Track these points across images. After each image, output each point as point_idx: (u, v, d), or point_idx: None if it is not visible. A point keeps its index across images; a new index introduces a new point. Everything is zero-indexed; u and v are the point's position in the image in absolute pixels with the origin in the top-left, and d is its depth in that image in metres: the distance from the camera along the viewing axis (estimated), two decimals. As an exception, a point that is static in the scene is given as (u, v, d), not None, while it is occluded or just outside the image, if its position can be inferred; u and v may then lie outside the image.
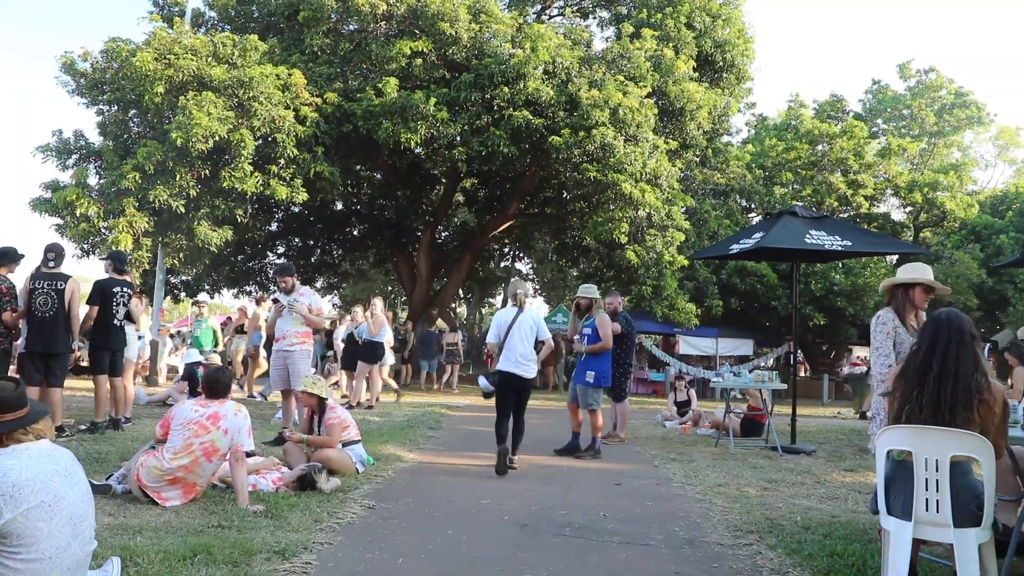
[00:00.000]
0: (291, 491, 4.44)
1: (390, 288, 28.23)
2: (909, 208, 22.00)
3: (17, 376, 2.64)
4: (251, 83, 11.72)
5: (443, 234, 19.52)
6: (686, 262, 14.55)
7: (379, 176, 17.01)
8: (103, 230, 11.96)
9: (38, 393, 6.03)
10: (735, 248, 7.74)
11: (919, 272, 4.07)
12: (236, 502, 4.03)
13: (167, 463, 3.96)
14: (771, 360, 18.22)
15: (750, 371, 7.98)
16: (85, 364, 7.41)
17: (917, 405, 2.70)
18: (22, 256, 6.18)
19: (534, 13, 17.06)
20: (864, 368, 17.61)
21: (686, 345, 17.86)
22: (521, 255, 24.04)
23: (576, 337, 6.91)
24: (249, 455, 4.42)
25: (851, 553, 3.49)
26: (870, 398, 6.54)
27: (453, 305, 26.96)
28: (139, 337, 8.48)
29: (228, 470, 4.23)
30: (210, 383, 4.27)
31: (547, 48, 12.84)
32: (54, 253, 6.23)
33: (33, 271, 6.25)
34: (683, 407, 9.89)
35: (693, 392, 10.20)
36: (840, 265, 17.95)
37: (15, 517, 2.19)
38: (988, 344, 7.09)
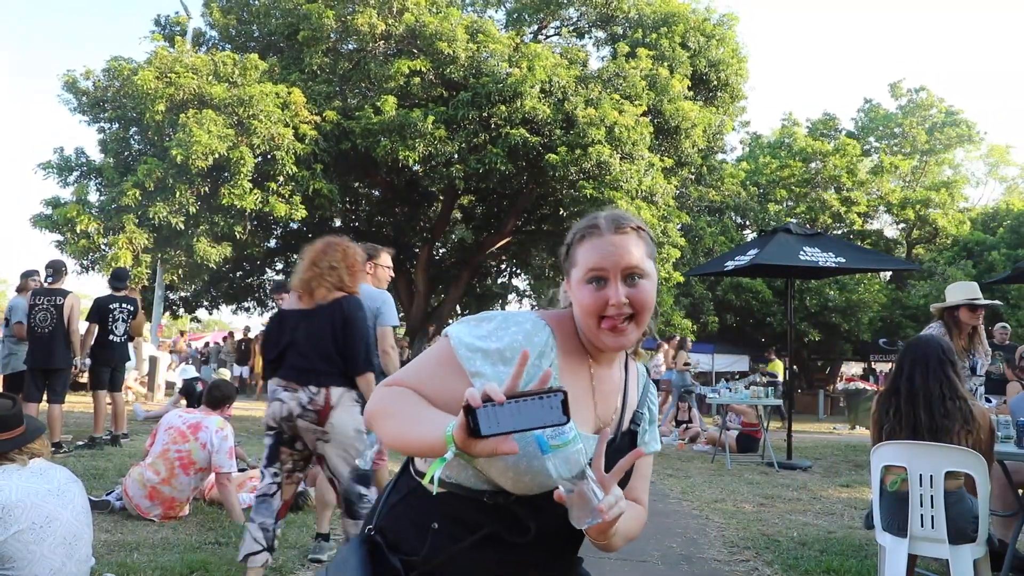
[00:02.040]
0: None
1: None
2: (902, 225, 22.19)
3: (13, 395, 2.60)
4: (251, 101, 11.84)
5: (441, 251, 19.59)
6: (682, 279, 14.63)
7: (377, 193, 17.11)
8: (103, 246, 12.00)
9: (35, 410, 6.04)
10: (730, 265, 7.80)
11: (960, 292, 4.12)
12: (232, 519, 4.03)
13: (147, 472, 3.96)
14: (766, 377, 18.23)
15: (746, 387, 8.01)
16: (83, 380, 7.42)
17: (897, 425, 2.74)
18: None
19: (531, 33, 17.30)
20: (857, 385, 17.64)
21: (683, 361, 17.86)
22: (518, 272, 24.12)
23: None
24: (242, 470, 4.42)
25: (847, 569, 3.51)
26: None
27: (451, 322, 26.95)
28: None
29: (217, 491, 4.23)
30: (210, 391, 4.33)
31: (544, 67, 13.02)
32: (52, 269, 6.30)
33: (34, 287, 6.31)
34: (684, 423, 9.93)
35: (695, 412, 10.23)
36: (835, 281, 18.06)
37: (5, 540, 2.16)
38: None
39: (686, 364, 10.08)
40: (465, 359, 1.10)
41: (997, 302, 4.30)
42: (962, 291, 4.13)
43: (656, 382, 11.53)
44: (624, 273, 1.12)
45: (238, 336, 17.58)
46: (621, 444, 1.19)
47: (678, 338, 10.85)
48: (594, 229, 1.16)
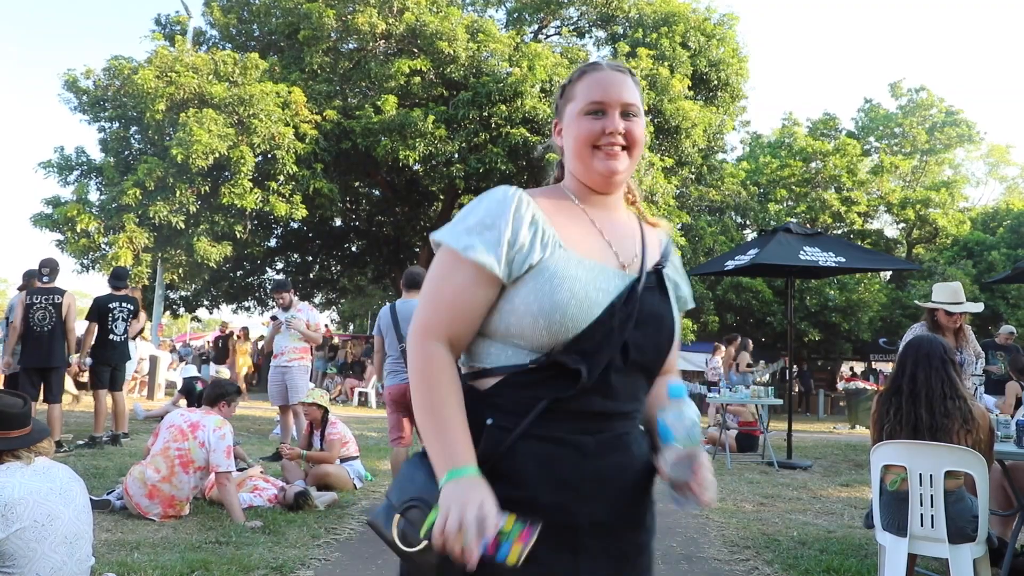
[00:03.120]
0: (286, 508, 4.44)
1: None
2: (902, 225, 22.19)
3: (23, 394, 2.62)
4: (251, 100, 11.84)
5: (441, 250, 19.58)
6: (682, 278, 14.58)
7: (377, 193, 17.12)
8: (103, 246, 12.02)
9: (33, 409, 6.04)
10: (731, 264, 7.80)
11: (942, 294, 4.15)
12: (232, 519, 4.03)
13: (148, 470, 3.96)
14: (767, 375, 18.23)
15: (747, 387, 8.01)
16: (83, 380, 7.44)
17: (897, 424, 2.74)
18: None
19: (531, 33, 17.30)
20: (857, 384, 17.65)
21: (682, 360, 17.89)
22: (518, 271, 24.06)
23: None
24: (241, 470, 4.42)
25: (847, 568, 3.51)
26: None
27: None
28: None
29: (217, 491, 4.24)
30: (209, 388, 4.35)
31: (544, 67, 13.02)
32: (49, 268, 6.29)
33: (29, 287, 6.31)
34: None
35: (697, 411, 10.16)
36: (835, 281, 18.06)
37: (7, 537, 2.17)
38: None
39: (749, 365, 9.83)
40: (456, 242, 1.10)
41: (976, 307, 4.28)
42: (944, 293, 4.16)
43: (711, 384, 11.36)
44: (623, 107, 1.15)
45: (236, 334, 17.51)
46: (649, 282, 1.16)
47: (739, 339, 10.50)
48: (595, 66, 1.19)
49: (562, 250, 1.09)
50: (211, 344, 16.52)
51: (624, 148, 1.15)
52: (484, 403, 1.07)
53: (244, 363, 14.09)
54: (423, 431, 1.05)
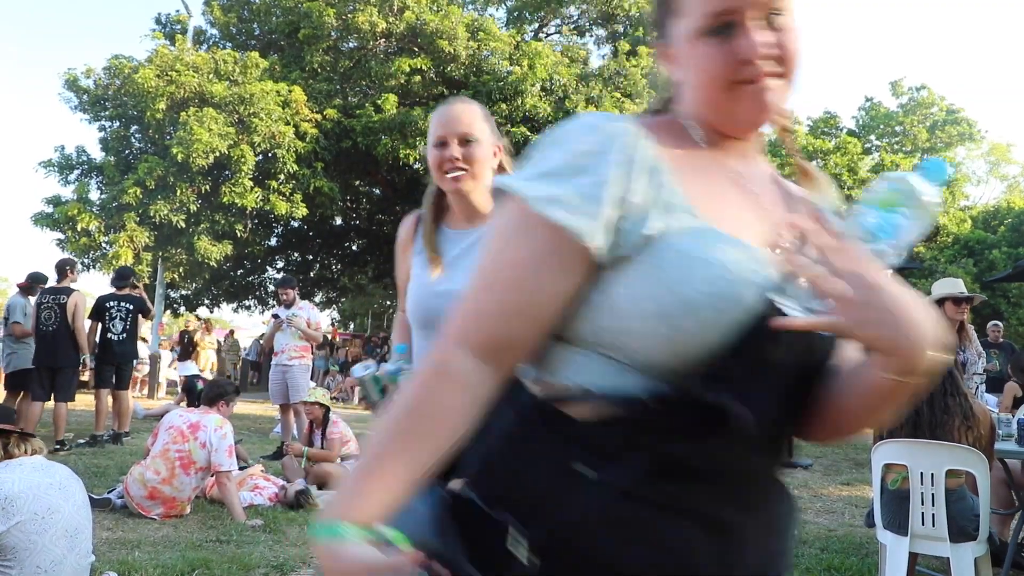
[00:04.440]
0: (287, 507, 4.45)
1: (388, 303, 28.28)
2: (903, 223, 22.17)
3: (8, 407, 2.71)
4: (252, 99, 11.85)
5: (441, 249, 19.57)
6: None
7: (378, 192, 17.12)
8: (104, 244, 12.03)
9: (40, 408, 6.07)
10: (731, 263, 7.79)
11: (944, 288, 4.17)
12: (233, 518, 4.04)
13: (148, 472, 3.97)
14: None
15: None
16: (85, 379, 7.47)
17: (897, 420, 2.74)
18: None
19: (531, 31, 17.29)
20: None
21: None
22: (519, 270, 24.05)
23: None
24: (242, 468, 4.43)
25: (848, 567, 3.51)
26: None
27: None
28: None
29: (217, 489, 4.25)
30: (206, 389, 4.36)
31: (544, 65, 13.02)
32: (57, 269, 6.37)
33: (42, 287, 6.41)
34: None
35: None
36: (836, 280, 18.05)
37: (8, 530, 2.18)
38: None
39: None
40: (527, 190, 0.70)
41: (981, 295, 4.35)
42: (947, 286, 4.17)
43: None
44: (769, 7, 0.72)
45: (228, 332, 17.31)
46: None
47: None
48: None
49: (694, 219, 0.70)
50: (176, 341, 14.64)
51: (778, 74, 0.73)
52: (575, 441, 0.68)
53: (207, 358, 13.11)
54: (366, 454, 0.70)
